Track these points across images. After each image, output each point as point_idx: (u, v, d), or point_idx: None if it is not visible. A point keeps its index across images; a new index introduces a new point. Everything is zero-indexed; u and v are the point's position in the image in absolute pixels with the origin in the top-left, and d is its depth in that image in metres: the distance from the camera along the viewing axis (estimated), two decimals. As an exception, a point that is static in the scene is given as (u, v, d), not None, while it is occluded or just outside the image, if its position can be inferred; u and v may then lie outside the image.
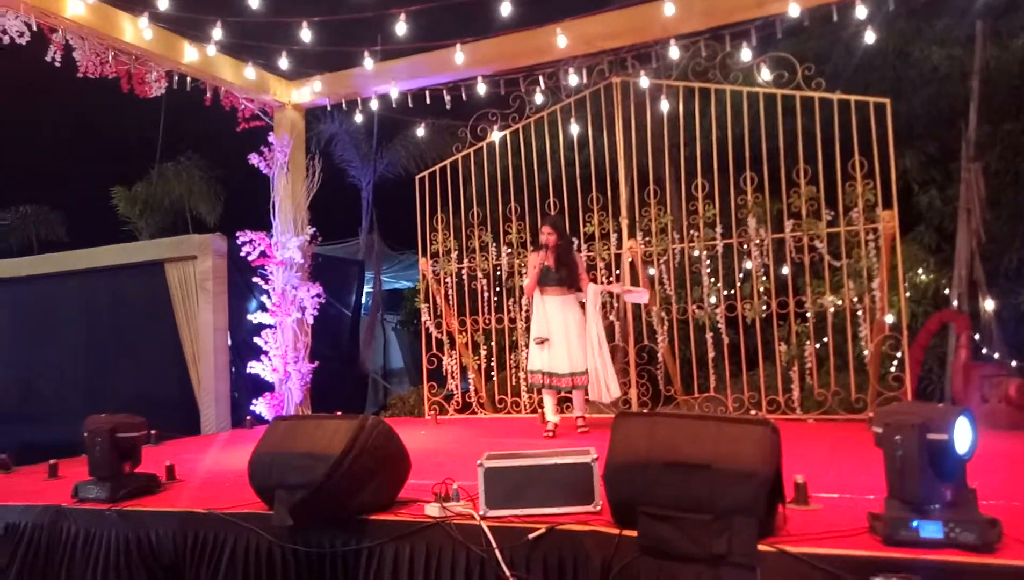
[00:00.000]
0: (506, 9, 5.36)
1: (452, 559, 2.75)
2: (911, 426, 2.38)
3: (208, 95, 6.88)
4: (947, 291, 6.85)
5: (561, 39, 5.86)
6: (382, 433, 3.10)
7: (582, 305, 5.36)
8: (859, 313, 5.54)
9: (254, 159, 7.35)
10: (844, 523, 2.57)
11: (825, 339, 5.69)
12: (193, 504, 3.36)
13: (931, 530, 2.29)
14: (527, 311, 6.63)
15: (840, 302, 5.63)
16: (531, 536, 2.68)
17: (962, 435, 2.33)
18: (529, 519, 2.78)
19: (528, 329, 6.56)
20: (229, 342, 7.81)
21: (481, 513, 2.83)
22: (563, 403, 6.05)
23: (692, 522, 2.46)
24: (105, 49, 6.03)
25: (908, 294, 6.65)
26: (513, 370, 6.69)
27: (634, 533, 2.55)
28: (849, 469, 3.67)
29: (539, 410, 6.34)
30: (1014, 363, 6.01)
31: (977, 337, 6.24)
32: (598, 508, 2.81)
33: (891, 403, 5.25)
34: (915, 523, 2.31)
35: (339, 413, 6.33)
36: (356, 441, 2.96)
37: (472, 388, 6.87)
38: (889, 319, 5.56)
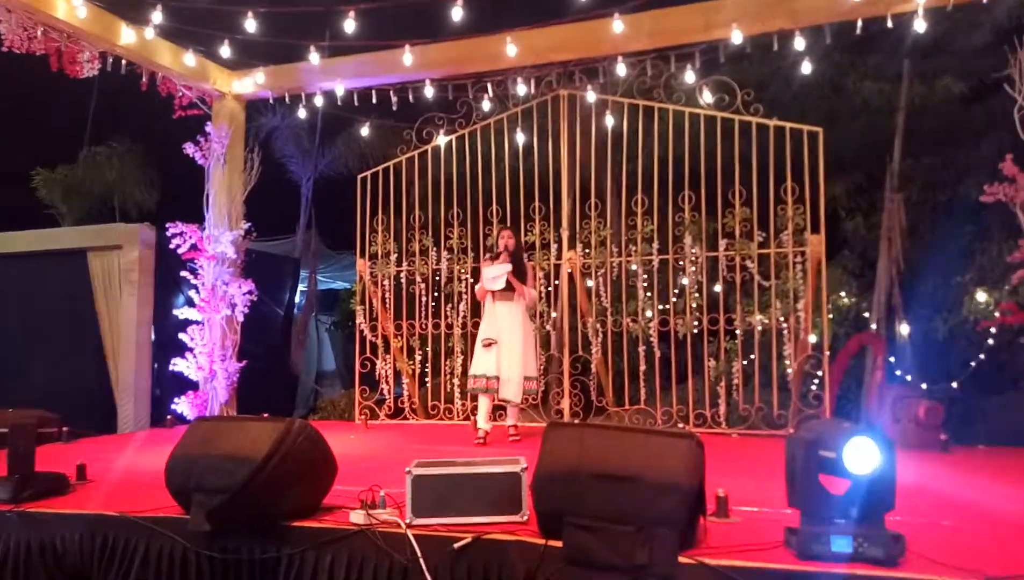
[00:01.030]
0: (457, 14, 5.35)
1: (375, 568, 2.71)
2: (804, 442, 2.51)
3: (144, 79, 6.63)
4: (867, 314, 7.15)
5: (511, 48, 5.89)
6: (308, 437, 3.03)
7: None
8: (784, 332, 5.73)
9: (189, 149, 7.12)
10: (762, 537, 2.64)
11: (752, 356, 5.86)
12: (104, 506, 3.20)
13: (841, 544, 2.37)
14: (464, 317, 6.62)
15: (767, 321, 5.81)
16: (456, 546, 2.65)
17: (855, 454, 2.40)
18: (455, 528, 2.75)
19: (464, 335, 6.58)
20: (152, 337, 7.53)
21: (407, 521, 2.79)
22: (496, 411, 6.05)
23: (615, 533, 2.48)
24: (34, 24, 5.75)
25: (831, 316, 6.92)
26: (448, 376, 6.65)
27: (559, 544, 2.56)
28: (769, 484, 3.74)
29: (472, 417, 6.33)
30: (924, 386, 6.31)
31: (892, 359, 6.54)
32: (525, 518, 2.81)
33: (810, 420, 5.47)
34: (827, 538, 2.39)
35: (266, 415, 6.21)
36: (281, 445, 2.89)
37: (405, 393, 6.80)
38: (812, 339, 5.78)
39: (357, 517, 2.86)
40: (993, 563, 2.29)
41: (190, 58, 6.67)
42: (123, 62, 6.42)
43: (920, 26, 5.63)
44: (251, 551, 2.85)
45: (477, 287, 5.65)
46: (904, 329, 6.71)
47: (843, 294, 7.42)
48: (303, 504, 2.99)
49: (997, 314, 6.24)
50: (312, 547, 2.81)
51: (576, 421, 5.74)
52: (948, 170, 7.68)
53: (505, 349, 5.35)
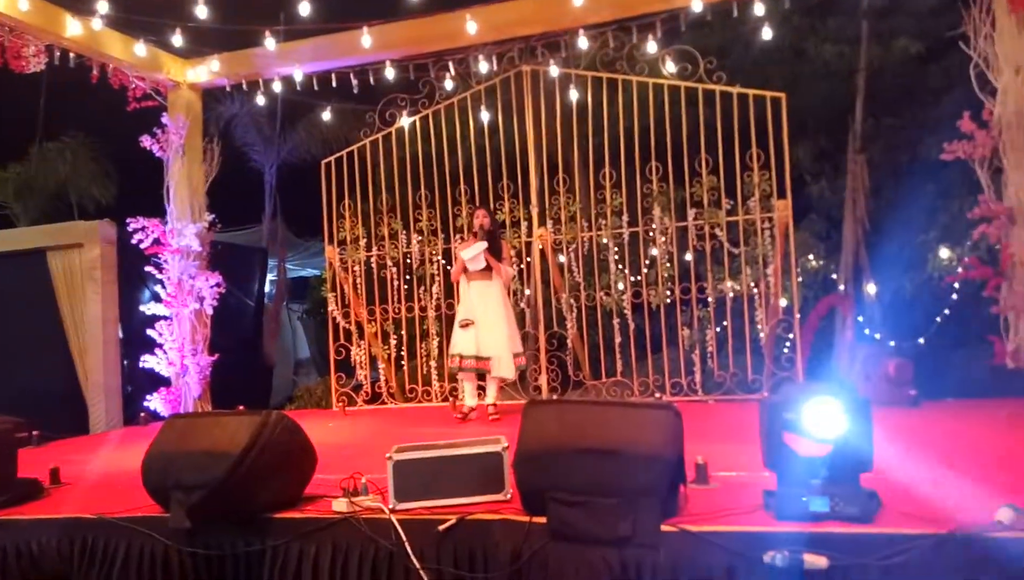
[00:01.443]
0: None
1: (360, 555, 2.70)
2: (774, 406, 2.56)
3: (95, 72, 6.43)
4: (835, 276, 7.26)
5: (471, 25, 5.81)
6: (286, 428, 3.00)
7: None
8: (755, 298, 5.80)
9: (147, 141, 6.96)
10: (741, 501, 2.68)
11: (725, 323, 5.93)
12: (80, 509, 3.14)
13: (818, 504, 2.42)
14: (438, 299, 6.59)
15: (738, 287, 5.87)
16: (441, 528, 2.66)
17: (814, 416, 2.44)
18: (439, 511, 2.76)
19: (439, 317, 6.56)
20: (120, 335, 7.38)
21: (390, 506, 2.79)
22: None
23: (599, 506, 2.51)
24: (-27, 19, 5.54)
25: (800, 279, 7.02)
26: (424, 359, 6.63)
27: (544, 520, 2.57)
28: (746, 448, 3.79)
29: (451, 398, 6.35)
30: (892, 343, 6.44)
31: (861, 319, 6.66)
32: (508, 496, 2.82)
33: (783, 383, 5.56)
34: (804, 498, 2.44)
35: (241, 407, 6.16)
36: (258, 437, 2.85)
37: (382, 378, 6.77)
38: (783, 303, 5.85)
39: (340, 505, 2.85)
40: (963, 514, 2.35)
41: (141, 48, 6.49)
42: (71, 55, 6.22)
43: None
44: (234, 545, 2.83)
45: (452, 270, 5.63)
46: (871, 288, 6.83)
47: (811, 257, 7.52)
48: (284, 495, 2.97)
49: (960, 270, 6.38)
50: (296, 538, 2.80)
51: (555, 397, 5.78)
52: (908, 130, 7.78)
53: (487, 328, 5.31)
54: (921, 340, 6.39)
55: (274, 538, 2.82)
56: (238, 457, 2.78)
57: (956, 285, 6.43)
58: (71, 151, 10.30)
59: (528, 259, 6.53)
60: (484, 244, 5.34)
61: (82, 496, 3.48)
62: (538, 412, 2.81)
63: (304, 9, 5.50)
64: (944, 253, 6.67)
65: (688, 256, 6.10)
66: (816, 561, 2.24)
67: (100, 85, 6.54)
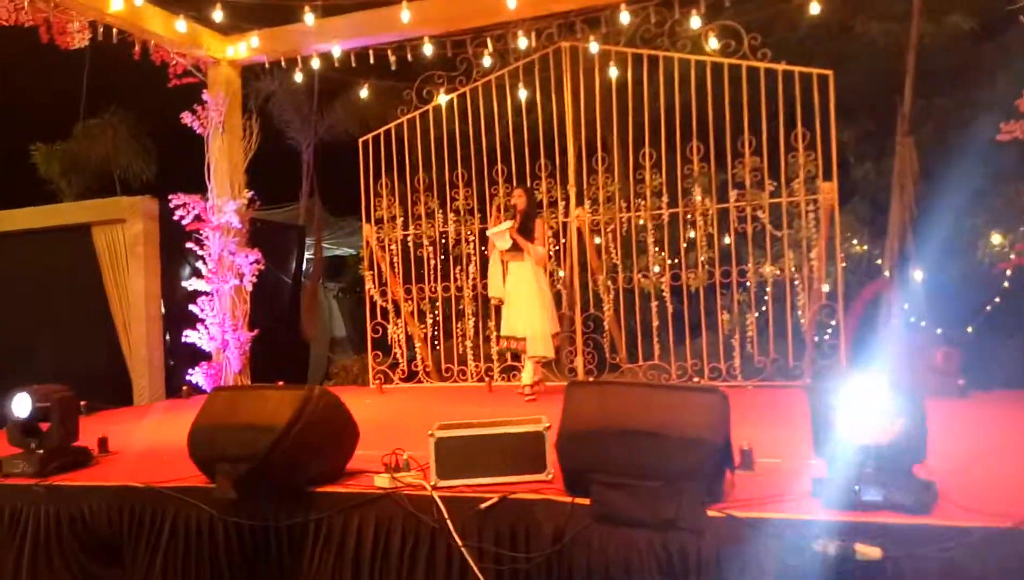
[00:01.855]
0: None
1: (403, 530, 2.72)
2: (819, 392, 2.52)
3: (136, 48, 6.49)
4: (880, 261, 7.08)
5: (511, 0, 5.71)
6: (329, 404, 3.02)
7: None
8: (797, 282, 5.68)
9: (187, 118, 7.02)
10: (788, 488, 2.63)
11: (764, 308, 5.82)
12: (129, 478, 3.21)
13: (871, 493, 2.36)
14: (474, 279, 6.58)
15: (780, 272, 5.75)
16: (483, 506, 2.66)
17: (867, 403, 2.39)
18: (481, 489, 2.76)
19: (475, 297, 6.57)
20: (162, 310, 7.51)
21: (432, 483, 2.80)
22: (511, 371, 6.10)
23: (643, 489, 2.48)
24: (21, -5, 5.61)
25: (843, 264, 6.85)
26: (460, 338, 6.63)
27: (586, 501, 2.56)
28: (789, 435, 3.75)
29: (487, 378, 6.38)
30: (939, 331, 6.27)
31: (907, 306, 6.48)
32: (550, 476, 2.81)
33: (828, 369, 5.45)
34: (857, 487, 2.38)
35: (281, 383, 6.23)
36: (302, 413, 2.88)
37: (419, 357, 6.80)
38: (825, 289, 5.72)
39: (382, 481, 2.87)
40: (1022, 508, 2.27)
41: (181, 24, 6.53)
42: (114, 31, 6.27)
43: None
44: (277, 517, 2.87)
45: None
46: (918, 275, 6.64)
47: (855, 242, 7.34)
48: (327, 470, 3.00)
49: (1013, 256, 6.17)
50: (338, 512, 2.82)
51: (595, 379, 5.75)
52: (961, 111, 7.52)
53: (520, 308, 5.41)
54: (969, 329, 6.20)
55: (317, 511, 2.84)
56: (282, 431, 2.81)
57: (1008, 272, 6.22)
58: (112, 128, 10.44)
59: (563, 240, 6.47)
60: (509, 223, 5.42)
61: (130, 465, 3.55)
62: (581, 393, 2.79)
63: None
64: (995, 238, 6.45)
65: (728, 239, 5.98)
66: (869, 551, 2.19)
67: (141, 62, 6.61)
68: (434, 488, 2.78)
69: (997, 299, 6.31)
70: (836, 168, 5.58)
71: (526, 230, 5.44)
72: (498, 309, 6.26)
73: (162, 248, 7.51)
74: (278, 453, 2.79)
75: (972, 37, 7.62)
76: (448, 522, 2.65)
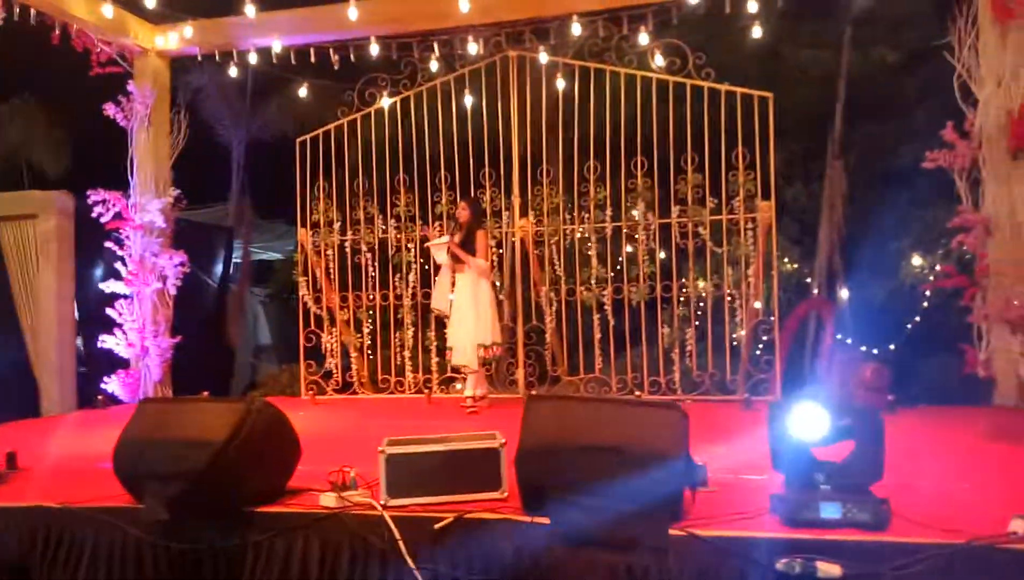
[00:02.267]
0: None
1: (351, 553, 2.57)
2: (780, 409, 2.53)
3: (56, 32, 6.07)
4: (809, 280, 7.32)
5: (463, 4, 5.63)
6: (270, 416, 2.84)
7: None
8: (735, 299, 5.78)
9: (110, 109, 6.62)
10: (745, 505, 2.62)
11: (698, 323, 5.90)
12: (42, 497, 2.93)
13: (830, 510, 2.37)
14: (414, 287, 6.44)
15: (719, 287, 5.84)
16: (437, 526, 2.54)
17: (800, 421, 2.45)
18: (433, 508, 2.64)
19: (414, 306, 6.42)
20: (76, 313, 7.03)
21: (383, 502, 2.66)
22: (450, 382, 6.00)
23: (604, 507, 2.42)
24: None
25: (770, 281, 7.05)
26: (399, 349, 6.46)
27: (546, 520, 2.47)
28: (734, 450, 3.79)
29: (425, 390, 6.24)
30: (863, 348, 6.52)
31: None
32: (505, 495, 2.72)
33: (763, 385, 5.57)
34: (815, 504, 2.39)
35: (206, 393, 5.91)
36: (241, 426, 2.69)
37: (353, 367, 6.57)
38: (756, 305, 5.85)
39: (328, 500, 2.71)
40: (974, 523, 2.32)
41: (108, 9, 6.15)
42: (32, 12, 5.85)
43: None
44: (213, 540, 2.66)
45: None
46: (844, 293, 6.90)
47: (786, 260, 7.57)
48: (267, 488, 2.82)
49: (931, 278, 6.48)
50: (280, 533, 2.64)
51: (555, 394, 5.70)
52: (884, 138, 7.88)
53: (455, 317, 5.47)
54: (892, 346, 6.48)
55: (257, 533, 2.66)
56: (220, 446, 2.62)
57: (927, 293, 6.53)
58: (23, 115, 9.75)
59: (500, 251, 6.40)
60: (446, 238, 5.52)
61: (43, 483, 3.25)
62: (539, 408, 2.71)
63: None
64: (916, 261, 6.77)
65: (662, 254, 6.04)
66: (830, 569, 2.19)
67: (58, 47, 6.17)
68: (384, 507, 2.64)
69: (918, 318, 6.62)
70: (774, 188, 5.72)
71: (468, 242, 5.45)
72: (439, 320, 6.16)
73: (77, 247, 7.03)
74: (216, 470, 2.60)
75: (895, 69, 8.01)
76: (400, 543, 2.51)
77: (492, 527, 2.53)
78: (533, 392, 5.96)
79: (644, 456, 2.44)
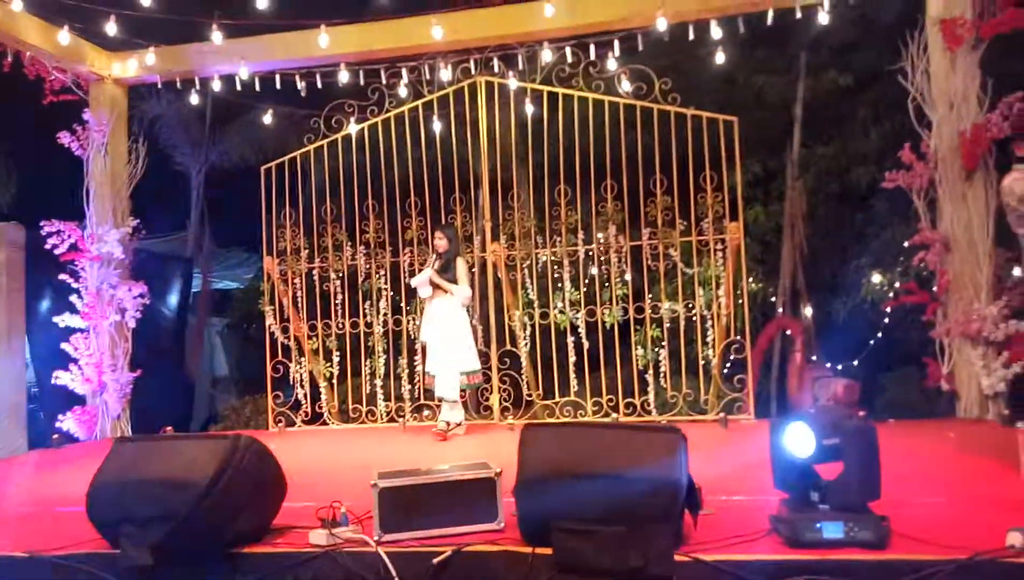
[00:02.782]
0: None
1: (346, 592, 2.47)
2: (780, 428, 2.55)
3: (8, 60, 5.87)
4: (773, 299, 7.45)
5: (436, 30, 5.63)
6: (256, 453, 2.74)
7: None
8: (708, 319, 5.84)
9: (65, 138, 6.41)
10: (743, 526, 2.61)
11: (663, 344, 5.92)
12: (8, 547, 2.76)
13: (833, 530, 2.38)
14: (385, 315, 6.34)
15: (692, 308, 5.89)
16: (436, 561, 2.46)
17: (794, 439, 2.49)
18: (430, 542, 2.57)
19: (385, 333, 6.33)
20: (27, 348, 6.73)
21: (376, 538, 2.57)
22: (422, 410, 5.92)
23: (607, 535, 2.38)
24: None
25: (739, 302, 7.16)
26: (369, 378, 6.33)
27: (548, 550, 2.42)
28: (720, 471, 3.79)
29: (398, 418, 6.13)
30: (827, 364, 6.65)
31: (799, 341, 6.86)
32: (502, 526, 2.66)
33: (736, 404, 5.62)
34: (818, 524, 2.39)
35: (169, 428, 5.70)
36: (228, 464, 2.59)
37: (323, 397, 6.42)
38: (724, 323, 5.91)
39: (318, 538, 2.61)
40: (970, 537, 2.35)
41: (64, 36, 5.98)
42: (-17, 38, 5.66)
43: (824, 19, 5.89)
44: (198, 586, 2.54)
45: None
46: (808, 311, 7.04)
47: (750, 280, 7.69)
48: (253, 527, 2.70)
49: (891, 294, 6.66)
50: (270, 574, 2.53)
51: (551, 421, 5.66)
52: (839, 159, 8.12)
53: (435, 346, 5.38)
54: (855, 362, 6.62)
55: (244, 575, 2.54)
56: (206, 487, 2.50)
57: (888, 309, 6.70)
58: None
59: (471, 274, 6.36)
60: (428, 272, 5.47)
61: (6, 530, 3.06)
62: (538, 435, 2.67)
63: (261, 2, 5.19)
64: (876, 278, 6.96)
65: (628, 276, 6.07)
66: (838, 589, 2.19)
67: (6, 74, 5.96)
68: (378, 543, 2.56)
69: (879, 334, 6.79)
70: (742, 209, 5.81)
71: (448, 270, 5.44)
72: (410, 347, 6.08)
73: (27, 280, 6.75)
74: (202, 511, 2.48)
75: (847, 91, 8.29)
76: (397, 580, 2.43)
77: (493, 559, 2.47)
78: (509, 418, 5.91)
79: (647, 481, 2.42)
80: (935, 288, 5.46)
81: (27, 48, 5.92)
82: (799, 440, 2.48)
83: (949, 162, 5.39)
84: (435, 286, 5.44)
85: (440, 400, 5.43)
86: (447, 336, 5.34)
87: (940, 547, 2.28)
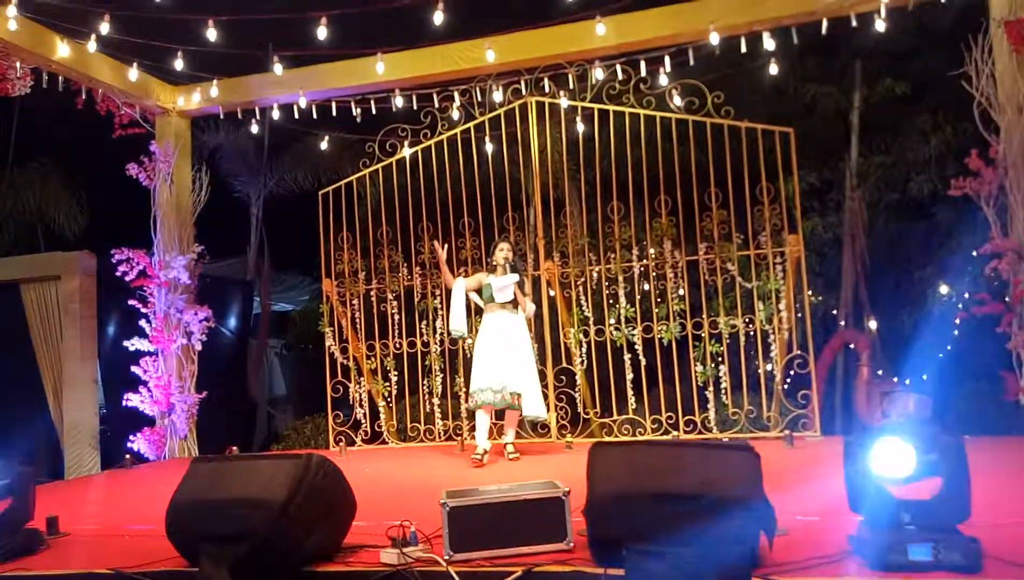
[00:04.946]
0: (437, 20, 5.18)
1: (419, 612, 2.48)
2: (857, 446, 2.44)
3: (82, 96, 6.17)
4: (835, 312, 7.26)
5: (490, 53, 5.72)
6: (327, 472, 2.78)
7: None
8: (769, 333, 5.72)
9: (133, 169, 6.68)
10: (821, 548, 2.54)
11: (721, 360, 5.81)
12: (91, 564, 2.85)
13: (920, 552, 2.29)
14: (441, 334, 6.39)
15: (752, 322, 5.78)
16: (507, 581, 2.45)
17: (882, 457, 2.35)
18: (499, 561, 2.56)
19: (442, 352, 6.35)
20: (99, 372, 6.99)
21: (447, 557, 2.58)
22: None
23: (683, 556, 2.33)
24: (-42, 39, 5.27)
25: (799, 315, 7.00)
26: (428, 396, 6.38)
27: (620, 571, 2.39)
28: (789, 490, 3.68)
29: (456, 438, 6.13)
30: (895, 379, 6.44)
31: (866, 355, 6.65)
32: (571, 545, 2.64)
33: (800, 421, 5.48)
34: (902, 546, 2.30)
35: (234, 448, 5.83)
36: (302, 482, 2.63)
37: (382, 417, 6.49)
38: (785, 337, 5.78)
39: (389, 557, 2.63)
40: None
41: (133, 73, 6.26)
42: (60, 79, 5.96)
43: (880, 26, 5.77)
44: (274, 604, 2.58)
45: (461, 283, 5.48)
46: (872, 324, 6.84)
47: (809, 293, 7.52)
48: (326, 546, 2.74)
49: (960, 306, 6.42)
50: (344, 594, 2.56)
51: (620, 439, 5.58)
52: (898, 168, 7.92)
53: (516, 363, 5.12)
54: (924, 376, 6.40)
55: (320, 594, 2.57)
56: (282, 505, 2.55)
57: (957, 321, 6.47)
58: (40, 180, 9.85)
59: (525, 292, 6.36)
60: (516, 277, 5.24)
61: (89, 548, 3.17)
62: (606, 455, 2.65)
63: (321, 33, 5.37)
64: (943, 289, 6.73)
65: (683, 291, 5.99)
66: (928, 614, 2.10)
67: (71, 111, 6.25)
68: (449, 563, 2.56)
69: (949, 348, 6.55)
70: (801, 221, 5.70)
71: (520, 284, 5.32)
72: (467, 365, 6.07)
73: (99, 306, 7.04)
74: (279, 529, 2.52)
75: (904, 100, 8.09)
76: (469, 600, 2.43)
77: (565, 580, 2.45)
78: (567, 436, 5.87)
79: (723, 501, 2.37)
80: (1008, 298, 5.24)
81: (99, 85, 6.21)
82: (894, 456, 2.35)
83: (1020, 167, 5.20)
84: (512, 304, 5.26)
85: (515, 419, 5.28)
86: (526, 353, 5.19)
87: (1037, 570, 2.18)
